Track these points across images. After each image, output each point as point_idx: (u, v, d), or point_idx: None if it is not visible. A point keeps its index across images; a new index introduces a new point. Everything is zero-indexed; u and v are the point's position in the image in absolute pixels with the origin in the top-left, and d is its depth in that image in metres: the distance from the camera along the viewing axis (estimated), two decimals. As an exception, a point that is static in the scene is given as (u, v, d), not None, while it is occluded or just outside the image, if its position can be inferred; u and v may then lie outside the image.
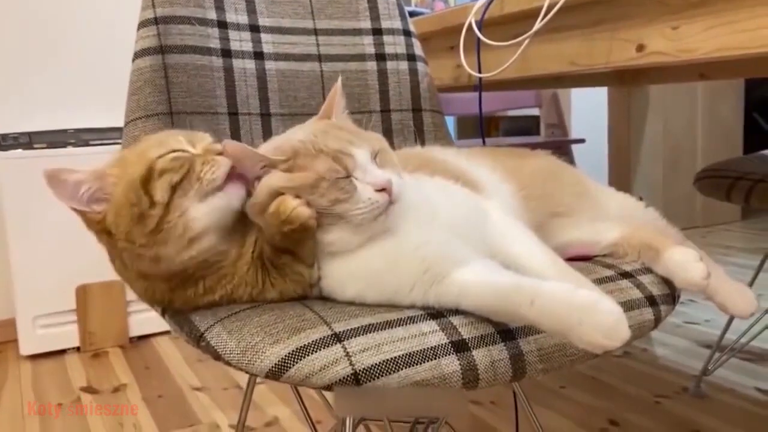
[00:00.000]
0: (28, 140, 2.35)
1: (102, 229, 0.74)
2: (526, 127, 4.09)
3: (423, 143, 1.20)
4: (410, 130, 1.20)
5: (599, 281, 0.81)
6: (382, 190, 0.72)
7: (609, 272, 0.83)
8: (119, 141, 2.44)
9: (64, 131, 2.43)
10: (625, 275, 0.82)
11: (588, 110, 3.44)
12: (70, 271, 2.31)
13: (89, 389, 2.05)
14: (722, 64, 1.69)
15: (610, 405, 1.78)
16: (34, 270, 2.29)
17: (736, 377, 1.90)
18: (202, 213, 0.73)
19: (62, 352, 2.36)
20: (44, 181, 0.71)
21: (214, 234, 0.74)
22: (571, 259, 0.90)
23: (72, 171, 0.73)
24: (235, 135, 1.06)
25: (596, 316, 0.62)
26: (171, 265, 0.73)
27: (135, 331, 2.45)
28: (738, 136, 3.86)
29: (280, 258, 0.75)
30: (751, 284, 1.79)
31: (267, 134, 1.09)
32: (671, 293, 0.82)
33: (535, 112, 3.26)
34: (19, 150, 2.30)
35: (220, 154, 0.75)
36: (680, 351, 2.13)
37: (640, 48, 1.02)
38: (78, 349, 2.38)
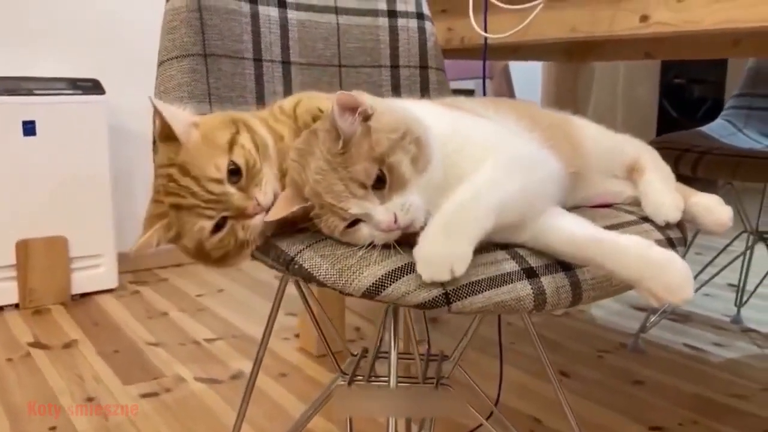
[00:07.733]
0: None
1: None
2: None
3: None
4: (416, 87, 1.25)
5: (624, 224, 0.89)
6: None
7: (631, 217, 0.92)
8: (67, 92, 2.34)
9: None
10: (646, 219, 0.91)
11: (521, 84, 3.56)
12: (9, 225, 2.22)
13: (38, 344, 1.99)
14: (672, 42, 1.82)
15: (558, 358, 1.91)
16: (-28, 223, 2.20)
17: (668, 335, 2.08)
18: None
19: (0, 308, 2.28)
20: None
21: None
22: (594, 207, 0.98)
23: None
24: (259, 81, 1.08)
25: (668, 273, 0.69)
26: None
27: (77, 288, 2.39)
28: (653, 118, 4.11)
29: None
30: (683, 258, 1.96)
31: (287, 82, 1.12)
32: (683, 237, 0.91)
33: (470, 85, 3.34)
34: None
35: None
36: (614, 312, 2.29)
37: (644, 18, 1.09)
38: (17, 306, 2.30)
